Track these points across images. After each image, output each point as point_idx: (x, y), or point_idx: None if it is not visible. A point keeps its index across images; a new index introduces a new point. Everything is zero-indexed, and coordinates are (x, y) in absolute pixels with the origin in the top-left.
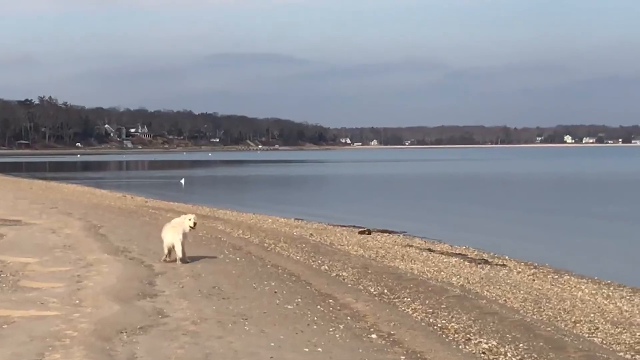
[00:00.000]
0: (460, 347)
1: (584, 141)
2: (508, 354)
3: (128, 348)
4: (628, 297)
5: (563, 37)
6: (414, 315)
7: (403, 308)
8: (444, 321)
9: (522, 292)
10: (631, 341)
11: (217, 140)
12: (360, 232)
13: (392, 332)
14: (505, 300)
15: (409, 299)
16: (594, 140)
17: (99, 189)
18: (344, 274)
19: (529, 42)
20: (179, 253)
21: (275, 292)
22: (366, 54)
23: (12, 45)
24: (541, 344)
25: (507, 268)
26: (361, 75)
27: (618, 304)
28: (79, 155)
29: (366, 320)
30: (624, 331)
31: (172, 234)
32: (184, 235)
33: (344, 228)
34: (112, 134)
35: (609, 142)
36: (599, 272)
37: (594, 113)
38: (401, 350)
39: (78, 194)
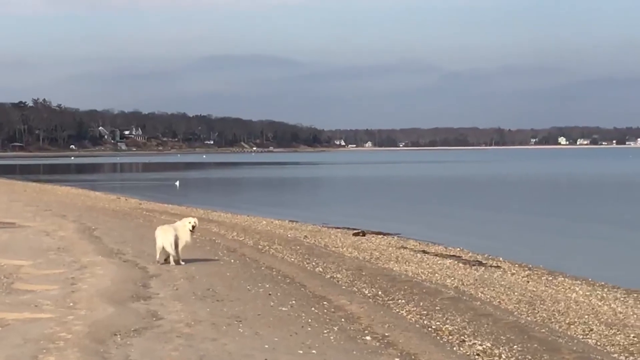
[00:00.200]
0: (454, 348)
1: (578, 143)
2: (502, 355)
3: (122, 350)
4: (622, 299)
5: (557, 39)
6: (408, 317)
7: (397, 310)
8: (438, 323)
9: (516, 293)
10: (625, 342)
11: (212, 142)
12: (355, 234)
13: (386, 334)
14: (499, 301)
15: (403, 301)
16: (588, 141)
17: (93, 191)
18: (339, 275)
19: (524, 43)
20: (171, 253)
21: (270, 294)
22: (360, 55)
23: (6, 48)
24: (535, 345)
25: (502, 270)
26: (355, 77)
27: (612, 305)
28: (73, 158)
29: (360, 322)
30: (618, 332)
31: (162, 236)
32: (177, 237)
33: (338, 230)
34: (106, 136)
35: (603, 143)
36: (593, 273)
37: (588, 115)
38: (395, 352)
39: (72, 196)
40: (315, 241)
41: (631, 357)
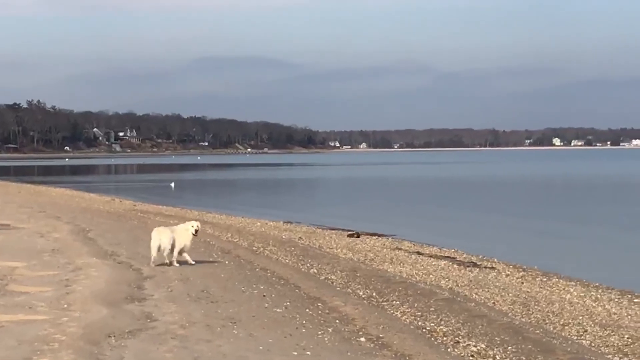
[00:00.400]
0: (448, 350)
1: (572, 144)
2: (497, 356)
3: (116, 352)
4: (616, 300)
5: (552, 40)
6: (403, 318)
7: (392, 311)
8: (432, 324)
9: (510, 294)
10: (619, 343)
11: (206, 143)
12: (349, 235)
13: (380, 335)
14: (494, 303)
15: (397, 302)
16: (583, 142)
17: (88, 193)
18: (333, 277)
19: (518, 45)
20: (166, 254)
21: (264, 295)
22: (355, 57)
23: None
24: (530, 346)
25: (496, 271)
26: (350, 79)
27: (606, 306)
28: (67, 159)
29: (355, 323)
30: (612, 333)
31: (157, 237)
32: (174, 239)
33: (333, 231)
34: (100, 138)
35: (598, 144)
36: (588, 274)
37: (583, 116)
38: (390, 353)
39: (66, 198)
40: (310, 242)
41: (625, 358)
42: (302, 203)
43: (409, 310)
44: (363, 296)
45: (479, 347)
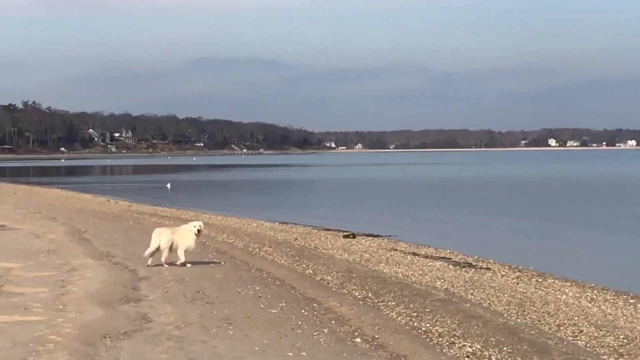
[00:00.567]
0: (444, 350)
1: (568, 144)
2: (492, 357)
3: (112, 353)
4: (612, 301)
5: (547, 41)
6: (398, 319)
7: (387, 312)
8: (428, 325)
9: (506, 295)
10: (615, 344)
11: (202, 144)
12: (345, 236)
13: (376, 336)
14: (489, 303)
15: (393, 303)
16: (579, 143)
17: (83, 194)
18: (329, 278)
19: (513, 46)
20: (163, 254)
21: (260, 296)
22: (350, 58)
23: None
24: (525, 347)
25: (492, 271)
26: (345, 79)
27: (602, 307)
28: (62, 160)
29: (350, 324)
30: (607, 334)
31: (156, 237)
32: (173, 240)
33: (329, 232)
34: (96, 139)
35: (593, 145)
36: (583, 275)
37: (578, 116)
38: (385, 354)
39: (62, 199)
40: (306, 243)
41: (621, 359)
42: (298, 204)
43: (405, 311)
44: (359, 297)
45: (474, 348)
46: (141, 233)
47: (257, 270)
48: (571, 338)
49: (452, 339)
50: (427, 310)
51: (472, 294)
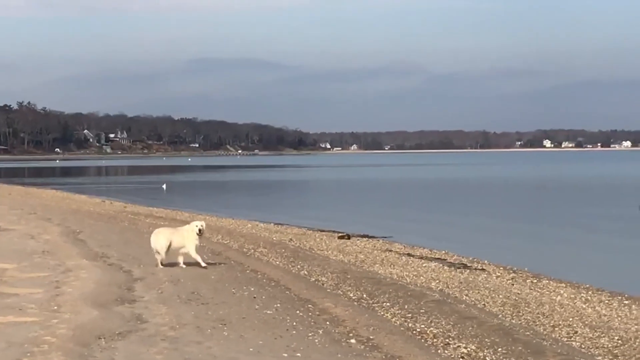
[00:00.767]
0: (439, 351)
1: (563, 145)
2: (487, 358)
3: (107, 354)
4: (607, 302)
5: (542, 42)
6: (393, 319)
7: (382, 313)
8: (422, 326)
9: (501, 296)
10: (609, 345)
11: (197, 145)
12: (340, 237)
13: (371, 337)
14: (484, 304)
15: (388, 304)
16: (573, 144)
17: (78, 195)
18: (323, 278)
19: (509, 47)
20: (161, 255)
21: (255, 297)
22: (346, 58)
23: None
24: (520, 348)
25: (486, 272)
26: (341, 80)
27: (597, 308)
28: (57, 161)
29: (345, 325)
30: (602, 335)
31: (154, 238)
32: (172, 240)
33: (324, 233)
34: (91, 140)
35: (588, 146)
36: (578, 276)
37: (573, 117)
38: (380, 355)
39: (57, 200)
40: (300, 244)
41: None
42: (293, 205)
43: (400, 311)
44: (353, 298)
45: (469, 349)
46: (136, 234)
47: (252, 271)
48: (566, 339)
49: (447, 340)
50: (422, 311)
51: (467, 295)
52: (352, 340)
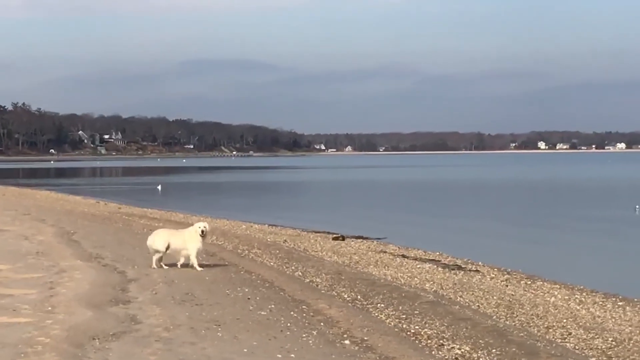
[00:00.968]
0: (433, 352)
1: (557, 147)
2: (481, 359)
3: (100, 355)
4: (600, 303)
5: (536, 44)
6: (387, 321)
7: (376, 314)
8: (417, 327)
9: (495, 297)
10: (603, 346)
11: (192, 146)
12: (334, 238)
13: (365, 338)
14: (478, 305)
15: (382, 305)
16: (568, 146)
17: (73, 196)
18: (318, 280)
19: (503, 48)
20: (160, 254)
21: (249, 298)
22: (340, 60)
23: None
24: (514, 349)
25: (481, 274)
26: (335, 82)
27: (591, 309)
28: (52, 162)
29: (339, 326)
30: (596, 336)
31: (151, 239)
32: (170, 242)
33: (318, 234)
34: (85, 141)
35: (583, 148)
36: (572, 277)
37: (568, 119)
38: (374, 356)
39: (51, 201)
40: (295, 245)
41: None
42: (287, 206)
43: (394, 313)
44: (348, 299)
45: (463, 350)
46: (130, 235)
47: (246, 272)
48: (560, 340)
49: (441, 341)
50: (416, 312)
51: (461, 296)
52: (346, 341)
